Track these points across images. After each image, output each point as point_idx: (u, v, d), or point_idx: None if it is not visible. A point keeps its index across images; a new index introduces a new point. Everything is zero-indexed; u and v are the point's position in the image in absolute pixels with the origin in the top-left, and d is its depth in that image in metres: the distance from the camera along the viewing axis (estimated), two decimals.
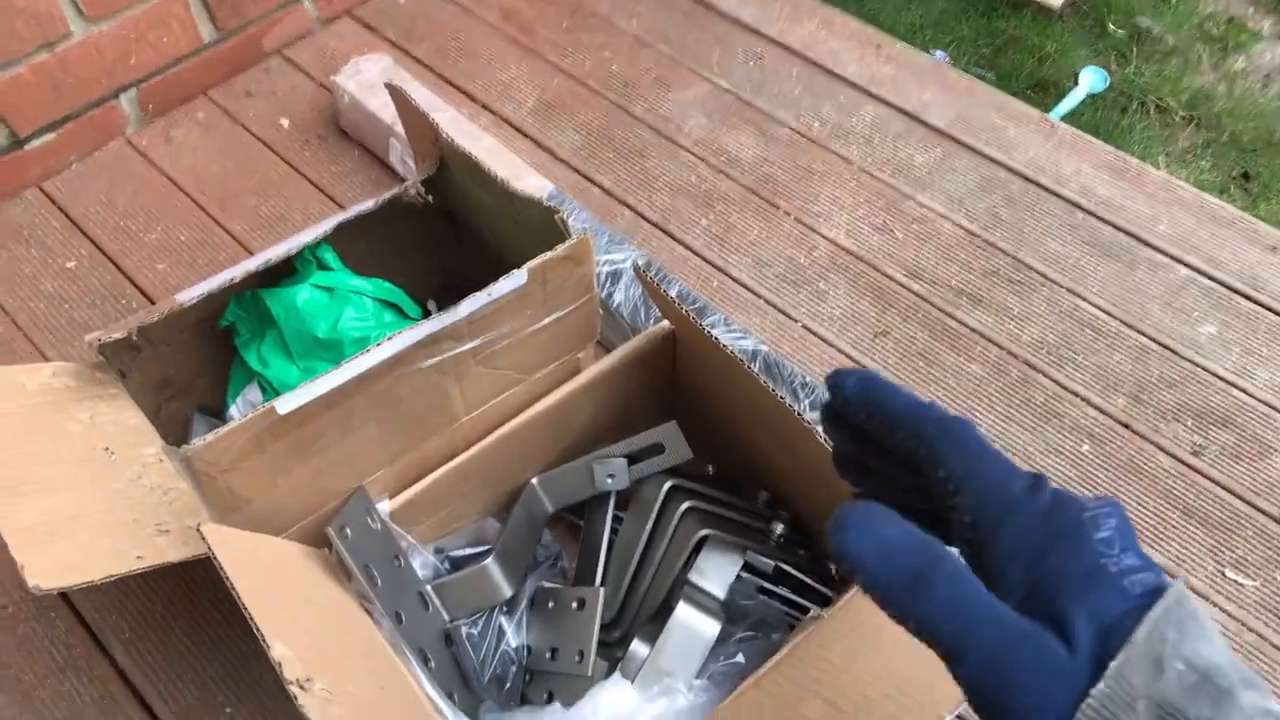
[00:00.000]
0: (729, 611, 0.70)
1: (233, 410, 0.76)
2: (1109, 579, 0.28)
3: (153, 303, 1.02)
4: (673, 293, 0.98)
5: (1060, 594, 0.28)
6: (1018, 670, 0.28)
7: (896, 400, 0.34)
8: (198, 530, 0.51)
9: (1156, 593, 0.28)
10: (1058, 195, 1.13)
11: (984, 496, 0.31)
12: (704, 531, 0.71)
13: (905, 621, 0.30)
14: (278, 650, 0.48)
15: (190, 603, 0.81)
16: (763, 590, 0.72)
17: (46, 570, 0.52)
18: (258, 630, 0.48)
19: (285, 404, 0.54)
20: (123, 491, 0.60)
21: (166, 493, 0.61)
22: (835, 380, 0.36)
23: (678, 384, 0.82)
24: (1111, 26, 1.60)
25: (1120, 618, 0.28)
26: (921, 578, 0.30)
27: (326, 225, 0.73)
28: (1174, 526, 0.88)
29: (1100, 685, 0.27)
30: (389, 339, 0.57)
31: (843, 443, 0.38)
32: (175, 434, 0.79)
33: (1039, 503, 0.31)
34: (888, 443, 0.34)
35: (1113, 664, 0.27)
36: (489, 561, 0.67)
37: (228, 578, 0.50)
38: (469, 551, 0.71)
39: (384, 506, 0.65)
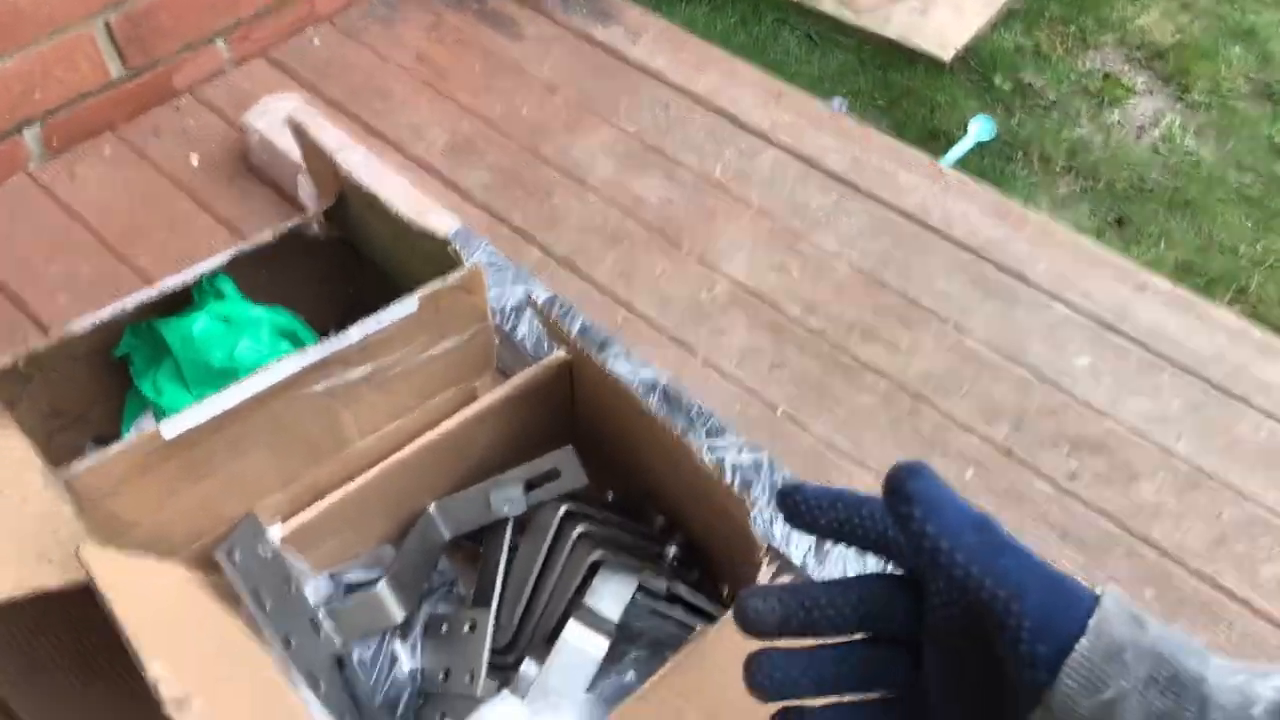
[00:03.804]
0: (623, 632, 0.72)
1: None
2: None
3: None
4: (576, 326, 1.01)
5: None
6: (1070, 602, 0.32)
7: (848, 492, 0.38)
8: (77, 554, 0.51)
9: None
10: (945, 236, 1.19)
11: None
12: (598, 555, 0.73)
13: (966, 567, 0.33)
14: (154, 669, 0.48)
15: (80, 641, 0.80)
16: (656, 612, 0.74)
17: None
18: (133, 649, 0.48)
19: (171, 428, 0.55)
20: (2, 521, 0.60)
21: (50, 520, 0.61)
22: (789, 493, 0.39)
23: (576, 411, 0.84)
24: (998, 80, 1.70)
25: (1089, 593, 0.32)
26: (986, 526, 0.34)
27: (225, 255, 0.74)
28: (1051, 548, 0.93)
29: (1083, 640, 0.31)
30: (278, 363, 0.58)
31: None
32: (67, 464, 0.78)
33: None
34: (854, 524, 0.38)
35: (1091, 621, 0.31)
36: (380, 585, 0.67)
37: (104, 598, 0.50)
38: (363, 577, 0.71)
39: (276, 532, 0.65)
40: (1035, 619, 0.32)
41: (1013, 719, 0.34)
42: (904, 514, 0.34)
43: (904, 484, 0.34)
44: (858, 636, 0.39)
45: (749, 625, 0.38)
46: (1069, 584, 0.33)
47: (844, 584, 0.38)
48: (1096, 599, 0.32)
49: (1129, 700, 0.31)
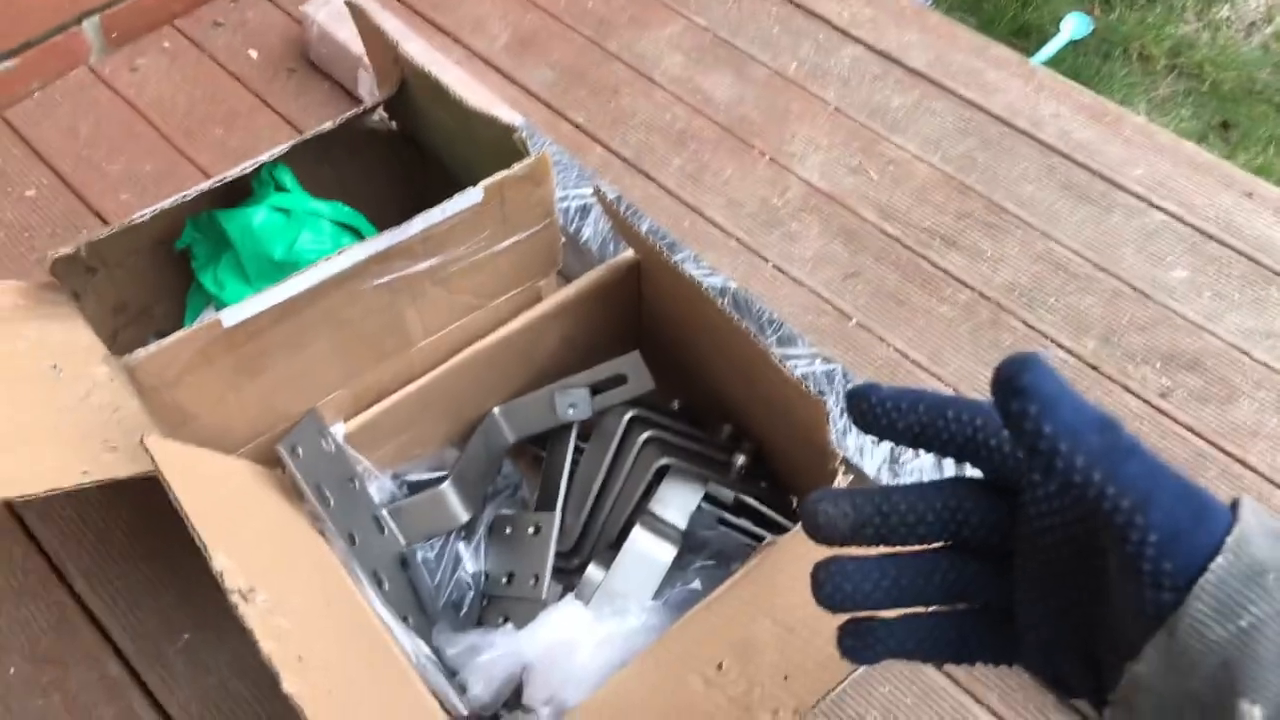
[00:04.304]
0: (689, 541, 0.70)
1: None
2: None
3: None
4: (643, 228, 0.97)
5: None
6: (1203, 515, 0.28)
7: (929, 392, 0.34)
8: (142, 443, 0.51)
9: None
10: (1034, 139, 1.12)
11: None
12: (664, 461, 0.71)
13: (1087, 471, 0.29)
14: (219, 560, 0.48)
15: (150, 532, 0.81)
16: (723, 521, 0.72)
17: None
18: (199, 539, 0.48)
19: (231, 316, 0.53)
20: (70, 409, 0.59)
21: (116, 410, 0.60)
22: (863, 394, 0.35)
23: (643, 316, 0.81)
24: None
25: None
26: (1109, 427, 0.29)
27: (285, 145, 0.71)
28: None
29: (1219, 559, 0.27)
30: (339, 254, 0.56)
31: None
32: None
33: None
34: (939, 426, 0.34)
35: (1229, 538, 0.27)
36: (445, 485, 0.66)
37: (170, 488, 0.49)
38: (427, 477, 0.70)
39: (339, 429, 0.64)
40: (1163, 532, 0.28)
41: (1122, 643, 0.30)
42: (1016, 410, 0.30)
43: (1017, 377, 0.30)
44: (934, 545, 0.36)
45: (818, 531, 0.34)
46: (1202, 495, 0.29)
47: (923, 488, 0.35)
48: (1232, 512, 0.29)
49: (1268, 628, 0.27)
